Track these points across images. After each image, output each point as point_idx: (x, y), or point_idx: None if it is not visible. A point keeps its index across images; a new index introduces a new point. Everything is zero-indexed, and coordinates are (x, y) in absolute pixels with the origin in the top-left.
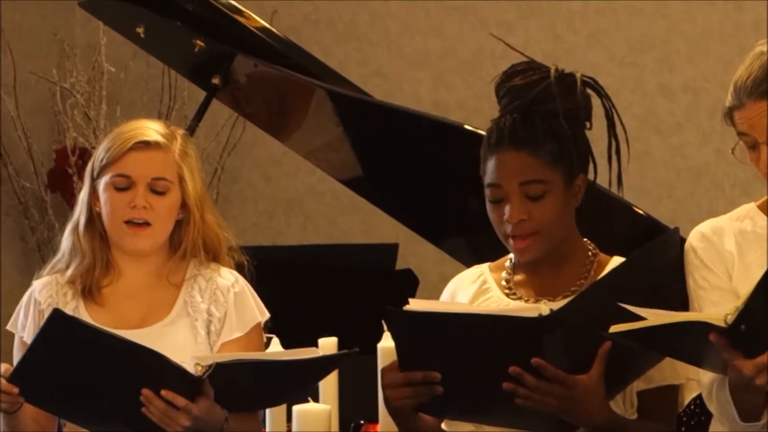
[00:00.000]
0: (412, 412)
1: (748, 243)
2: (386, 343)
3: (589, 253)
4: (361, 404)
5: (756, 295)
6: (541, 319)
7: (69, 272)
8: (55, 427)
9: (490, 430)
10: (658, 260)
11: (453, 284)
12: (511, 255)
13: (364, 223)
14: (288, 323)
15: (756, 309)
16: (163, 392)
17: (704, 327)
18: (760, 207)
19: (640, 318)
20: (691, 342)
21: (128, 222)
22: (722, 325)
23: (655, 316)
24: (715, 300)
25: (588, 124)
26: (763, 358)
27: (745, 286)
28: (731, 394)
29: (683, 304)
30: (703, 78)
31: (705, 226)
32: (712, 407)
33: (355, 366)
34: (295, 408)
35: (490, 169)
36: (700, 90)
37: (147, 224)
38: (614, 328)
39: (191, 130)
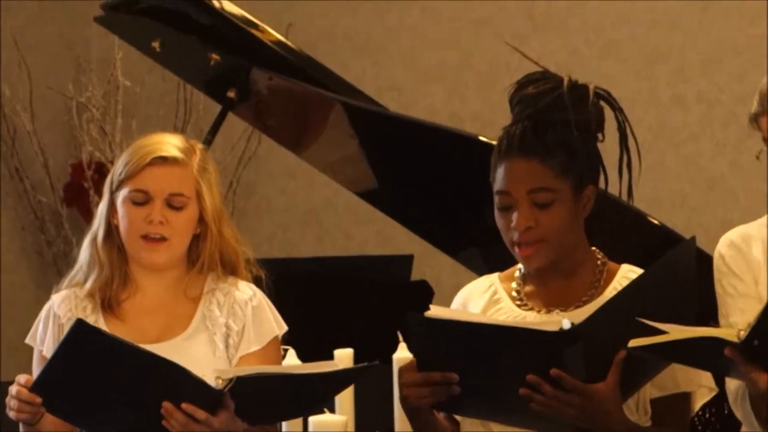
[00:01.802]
0: (428, 411)
1: None
2: (402, 353)
3: (598, 262)
4: (377, 414)
5: (766, 311)
6: (563, 333)
7: (88, 285)
8: None
9: None
10: (675, 270)
11: (463, 294)
12: (521, 266)
13: (379, 234)
14: (304, 335)
15: (767, 325)
16: (183, 405)
17: (718, 343)
18: None
19: (657, 331)
20: (709, 355)
21: (145, 237)
22: (735, 340)
23: (672, 331)
24: (742, 307)
25: (600, 136)
26: None
27: None
28: (751, 405)
29: (700, 312)
30: (717, 89)
31: (734, 234)
32: (738, 414)
33: (370, 378)
34: (312, 419)
35: (499, 176)
36: (714, 101)
37: (163, 239)
38: (633, 343)
39: (207, 144)
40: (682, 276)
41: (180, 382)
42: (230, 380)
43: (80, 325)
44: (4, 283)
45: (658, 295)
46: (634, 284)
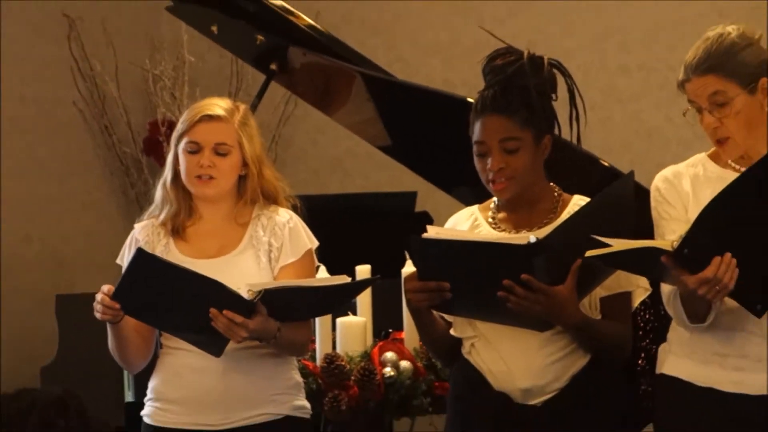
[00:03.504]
0: (427, 311)
1: (700, 184)
2: (408, 269)
3: (555, 194)
4: (389, 317)
5: (695, 227)
6: (530, 245)
7: (162, 217)
8: (154, 338)
9: (488, 334)
10: (618, 196)
11: (452, 221)
12: (495, 198)
13: (391, 176)
14: (332, 255)
15: (696, 237)
16: (224, 312)
17: (656, 251)
18: (709, 156)
19: (606, 244)
20: (649, 263)
21: (198, 177)
22: (669, 249)
23: (618, 244)
24: (674, 228)
25: (554, 96)
26: (703, 273)
27: None
28: (681, 303)
29: (639, 233)
30: (654, 59)
31: (667, 171)
32: (670, 311)
33: (384, 287)
34: (339, 320)
35: (477, 129)
36: (652, 69)
37: (212, 178)
38: (589, 253)
39: (254, 107)
40: (623, 201)
41: (221, 294)
42: (259, 292)
43: (139, 252)
44: (96, 216)
45: (605, 215)
46: (586, 206)
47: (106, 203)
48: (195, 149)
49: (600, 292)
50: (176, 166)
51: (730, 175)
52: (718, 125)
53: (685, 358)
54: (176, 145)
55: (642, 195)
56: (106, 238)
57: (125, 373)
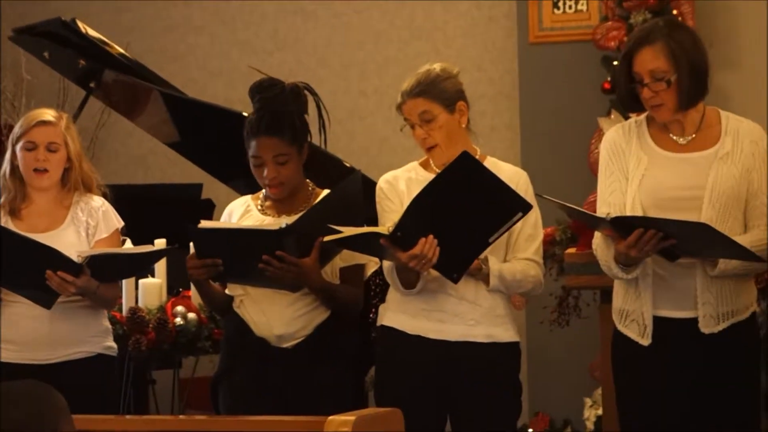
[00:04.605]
0: (206, 282)
1: (413, 185)
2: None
3: (310, 188)
4: (180, 279)
5: (405, 215)
6: (281, 230)
7: (0, 200)
8: None
9: (253, 293)
10: (348, 190)
11: (229, 207)
12: (264, 190)
13: (183, 171)
14: (136, 232)
15: (406, 223)
16: (58, 273)
17: (377, 235)
18: (420, 164)
19: (340, 231)
20: (372, 244)
21: (35, 170)
22: (386, 233)
23: (348, 230)
24: (393, 218)
25: (307, 114)
26: (412, 250)
27: None
28: (397, 274)
29: (369, 215)
30: (385, 85)
31: (388, 175)
32: (389, 280)
33: (176, 256)
34: (141, 281)
35: (253, 146)
36: (384, 93)
37: (45, 171)
38: (326, 239)
39: (75, 117)
40: (353, 192)
41: (55, 259)
42: (86, 257)
43: None
44: None
45: (340, 203)
46: (324, 198)
47: None
48: (32, 147)
49: (339, 263)
50: (13, 161)
51: None
52: (426, 136)
53: (399, 313)
54: (14, 145)
55: (371, 188)
56: None
57: None
